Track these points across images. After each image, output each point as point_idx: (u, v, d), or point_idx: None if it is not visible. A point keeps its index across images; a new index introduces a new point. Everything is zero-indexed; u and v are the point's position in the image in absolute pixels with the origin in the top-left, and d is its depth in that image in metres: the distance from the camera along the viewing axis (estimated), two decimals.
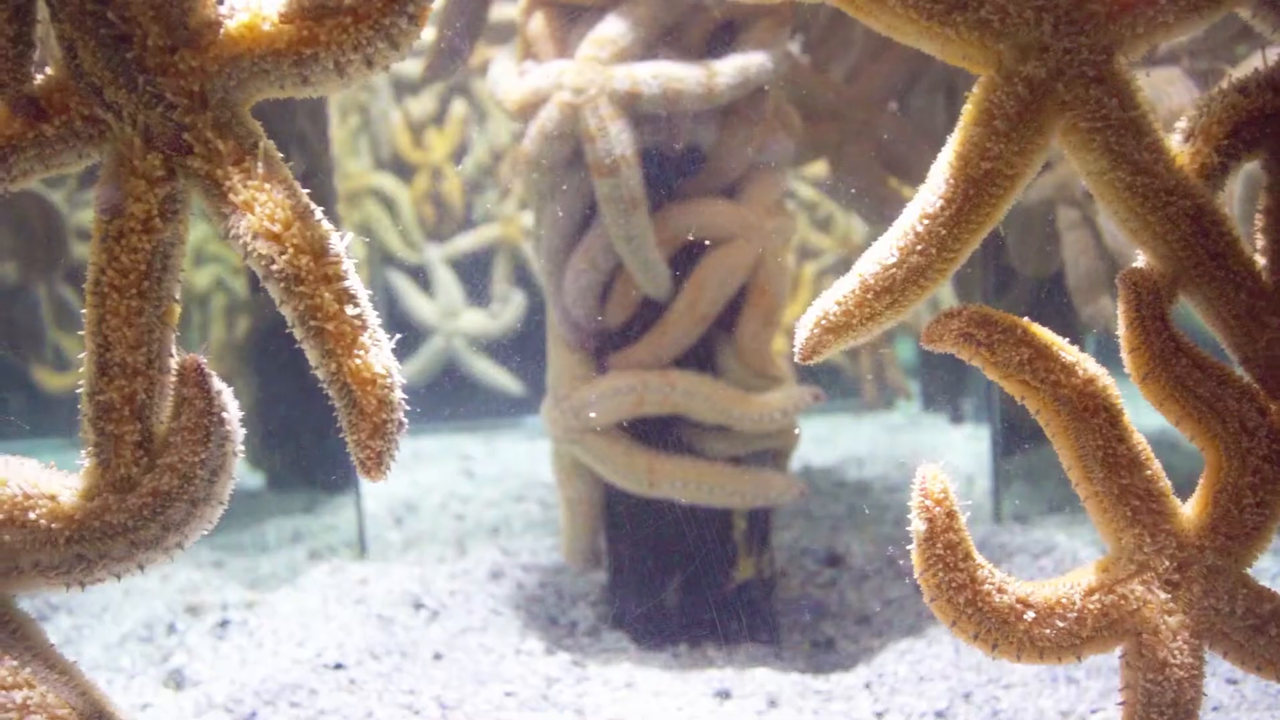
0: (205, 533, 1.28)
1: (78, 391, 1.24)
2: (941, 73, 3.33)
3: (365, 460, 1.21)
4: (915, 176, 3.65)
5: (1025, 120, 1.23)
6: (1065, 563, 2.68)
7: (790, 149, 2.59)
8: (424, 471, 4.62)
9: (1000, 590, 1.25)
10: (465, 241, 5.63)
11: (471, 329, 5.50)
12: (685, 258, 2.51)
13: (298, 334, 1.22)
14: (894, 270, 1.23)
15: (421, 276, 5.58)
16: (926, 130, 3.43)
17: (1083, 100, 1.23)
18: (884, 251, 1.24)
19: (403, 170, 5.66)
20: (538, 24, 2.50)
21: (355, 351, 1.21)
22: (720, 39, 2.48)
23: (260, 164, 1.21)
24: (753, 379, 2.54)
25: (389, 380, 1.21)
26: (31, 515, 1.23)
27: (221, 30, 1.20)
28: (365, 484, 3.76)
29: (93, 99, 1.19)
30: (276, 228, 1.20)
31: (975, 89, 1.26)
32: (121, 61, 1.18)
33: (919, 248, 1.23)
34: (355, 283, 1.22)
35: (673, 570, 2.58)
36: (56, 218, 3.85)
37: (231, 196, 1.20)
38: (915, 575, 1.27)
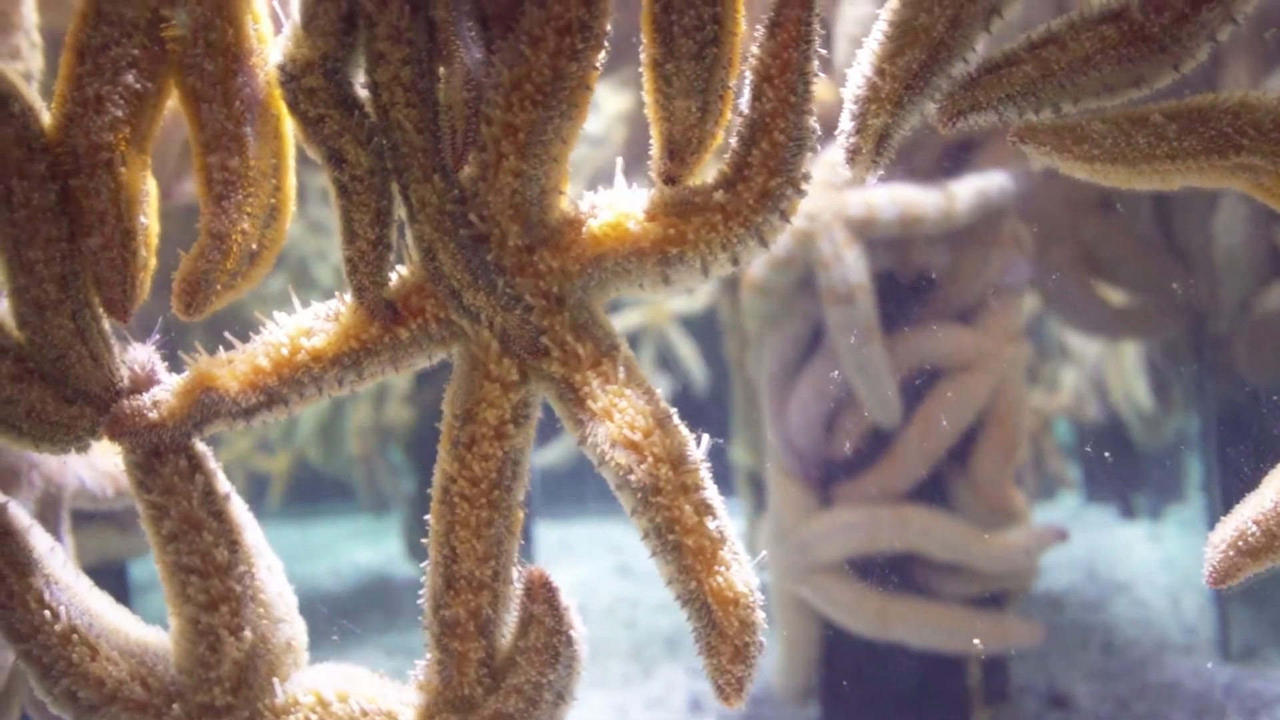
0: None
1: None
2: None
3: (724, 686, 1.11)
4: (1121, 279, 3.47)
5: None
6: None
7: (1027, 272, 2.46)
8: (578, 566, 4.54)
9: None
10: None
11: None
12: (915, 385, 2.39)
13: (651, 546, 1.13)
14: None
15: None
16: (1132, 232, 3.27)
17: None
18: None
19: None
20: None
21: (716, 569, 1.11)
22: (955, 156, 2.38)
23: (620, 368, 1.14)
24: (990, 515, 2.39)
25: (751, 599, 1.12)
26: None
27: (584, 229, 1.14)
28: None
29: (450, 302, 1.14)
30: (636, 436, 1.12)
31: None
32: (480, 263, 1.13)
33: None
34: (713, 493, 1.14)
35: (900, 718, 2.42)
36: None
37: (590, 403, 1.13)
38: None
